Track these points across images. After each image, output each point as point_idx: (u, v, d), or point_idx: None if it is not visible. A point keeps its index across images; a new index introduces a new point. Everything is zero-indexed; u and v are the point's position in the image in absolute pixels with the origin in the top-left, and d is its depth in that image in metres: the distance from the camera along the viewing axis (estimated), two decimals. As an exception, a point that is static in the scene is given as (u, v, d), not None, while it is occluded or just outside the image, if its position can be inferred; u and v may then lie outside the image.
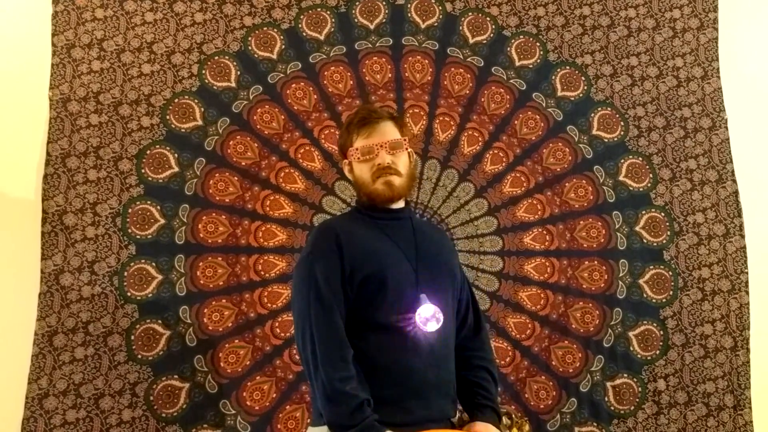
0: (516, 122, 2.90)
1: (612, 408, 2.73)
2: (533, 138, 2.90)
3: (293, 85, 2.82)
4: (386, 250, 1.77)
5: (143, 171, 2.66)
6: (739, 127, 3.00)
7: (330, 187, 2.77)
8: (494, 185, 2.85)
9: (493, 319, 2.75)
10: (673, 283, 2.84)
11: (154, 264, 2.61)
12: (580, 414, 2.71)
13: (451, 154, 2.86)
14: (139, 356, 2.54)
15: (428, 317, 1.70)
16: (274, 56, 2.83)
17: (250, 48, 2.81)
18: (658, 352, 2.79)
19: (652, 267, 2.85)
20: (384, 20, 2.92)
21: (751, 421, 2.78)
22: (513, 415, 1.98)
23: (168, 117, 2.72)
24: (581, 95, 2.95)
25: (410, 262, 1.77)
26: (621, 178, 2.90)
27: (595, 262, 2.83)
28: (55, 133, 2.62)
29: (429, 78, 2.90)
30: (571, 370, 2.74)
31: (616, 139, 2.93)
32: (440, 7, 2.95)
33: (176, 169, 2.69)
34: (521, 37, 2.97)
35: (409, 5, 2.93)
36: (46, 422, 2.45)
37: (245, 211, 2.70)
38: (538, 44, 2.97)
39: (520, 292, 2.79)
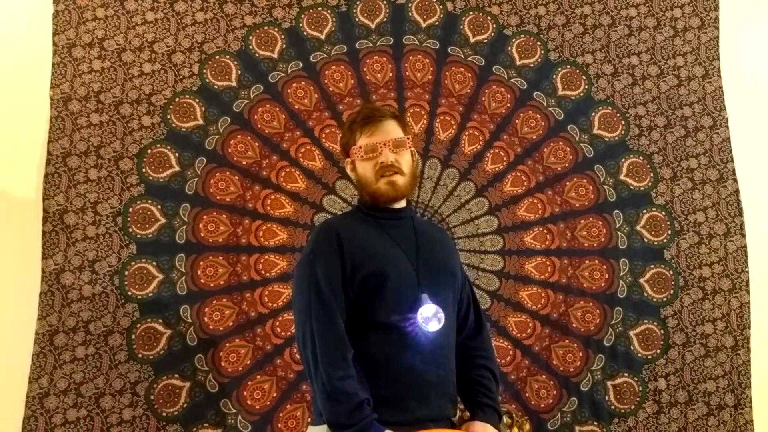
0: (517, 121, 2.90)
1: (613, 407, 2.73)
2: (534, 137, 2.90)
3: (294, 85, 2.82)
4: (387, 249, 1.76)
5: (144, 170, 2.67)
6: (739, 126, 2.99)
7: (331, 187, 2.77)
8: (495, 184, 2.85)
9: (494, 319, 2.75)
10: (673, 282, 2.84)
11: (154, 263, 2.61)
12: (581, 413, 2.71)
13: (451, 154, 2.86)
14: (140, 355, 2.54)
15: (430, 317, 1.70)
16: (275, 55, 2.83)
17: (251, 47, 2.81)
18: (658, 351, 2.79)
19: (652, 266, 2.85)
20: (385, 19, 2.92)
21: (752, 420, 2.78)
22: (513, 414, 1.98)
23: (169, 116, 2.72)
24: (582, 94, 2.95)
25: (411, 261, 1.77)
26: (622, 177, 2.90)
27: (596, 261, 2.83)
28: (56, 132, 2.63)
29: (430, 77, 2.90)
30: (571, 369, 2.74)
31: (616, 138, 2.93)
32: (441, 7, 2.95)
33: (177, 168, 2.69)
34: (522, 36, 2.97)
35: (409, 4, 2.93)
36: (46, 421, 2.45)
37: (246, 210, 2.70)
38: (538, 43, 2.97)
39: (520, 292, 2.79)
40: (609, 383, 2.75)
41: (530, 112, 2.92)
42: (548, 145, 2.90)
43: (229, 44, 2.80)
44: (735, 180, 2.93)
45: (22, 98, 2.66)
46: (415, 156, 1.88)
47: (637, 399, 2.75)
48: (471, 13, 2.96)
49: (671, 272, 2.85)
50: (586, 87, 2.96)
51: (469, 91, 2.91)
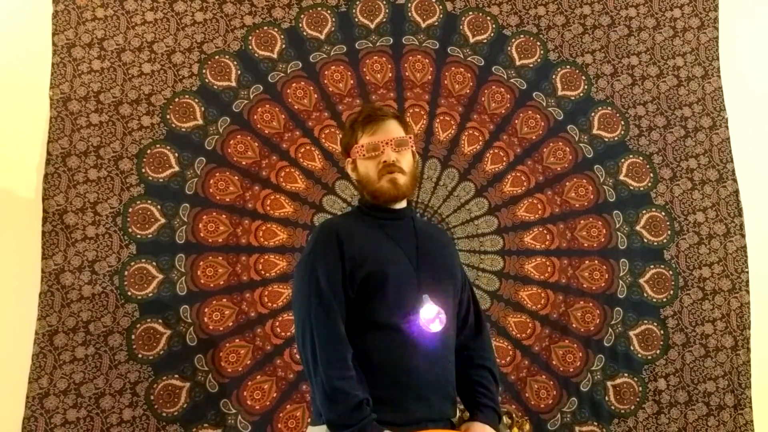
0: (516, 121, 2.90)
1: (612, 407, 2.73)
2: (534, 137, 2.90)
3: (294, 85, 2.82)
4: (387, 249, 1.77)
5: (144, 170, 2.66)
6: (739, 127, 3.00)
7: (330, 187, 2.77)
8: (495, 184, 2.85)
9: (494, 319, 2.75)
10: (673, 283, 2.84)
11: (154, 263, 2.61)
12: (581, 413, 2.71)
13: (451, 154, 2.86)
14: (140, 355, 2.54)
15: (431, 318, 1.70)
16: (275, 55, 2.83)
17: (250, 47, 2.81)
18: (658, 351, 2.79)
19: (652, 266, 2.85)
20: (384, 20, 2.92)
21: (752, 421, 2.78)
22: (513, 415, 1.98)
23: (168, 116, 2.72)
24: (582, 94, 2.95)
25: (411, 262, 1.77)
26: (621, 177, 2.90)
27: (596, 262, 2.83)
28: (56, 133, 2.62)
29: (429, 77, 2.90)
30: (571, 370, 2.74)
31: (616, 138, 2.93)
32: (441, 7, 2.95)
33: (177, 168, 2.69)
34: (522, 36, 2.97)
35: (409, 4, 2.93)
36: (46, 421, 2.45)
37: (246, 210, 2.70)
38: (538, 43, 2.97)
39: (520, 292, 2.79)
40: (609, 383, 2.75)
41: (530, 112, 2.92)
42: (548, 146, 2.90)
43: (229, 44, 2.80)
44: (735, 180, 2.93)
45: (22, 98, 2.66)
46: (416, 157, 1.88)
47: (637, 399, 2.75)
48: (470, 13, 2.96)
49: (671, 272, 2.85)
50: (586, 87, 2.96)
51: (468, 91, 2.91)
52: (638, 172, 2.91)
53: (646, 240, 2.86)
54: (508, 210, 2.84)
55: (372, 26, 2.91)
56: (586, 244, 2.84)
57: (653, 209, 2.89)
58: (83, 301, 2.54)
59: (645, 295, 2.82)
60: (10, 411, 2.44)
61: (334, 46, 2.87)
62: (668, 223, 2.88)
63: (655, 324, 2.80)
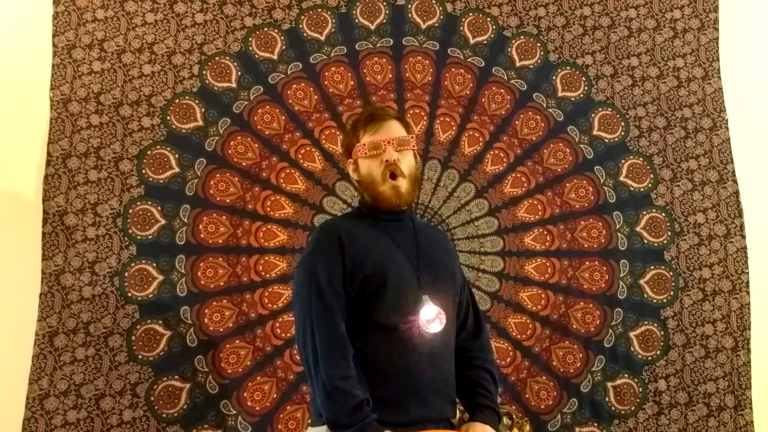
0: (517, 123, 2.90)
1: (613, 408, 2.73)
2: (534, 138, 2.90)
3: (294, 86, 2.82)
4: (387, 250, 1.77)
5: (144, 171, 2.67)
6: (739, 128, 2.99)
7: (331, 188, 2.77)
8: (495, 186, 2.85)
9: (494, 320, 2.75)
10: (673, 284, 2.84)
11: (154, 264, 2.61)
12: (581, 414, 2.71)
13: (451, 155, 2.86)
14: (140, 357, 2.54)
15: (431, 318, 1.70)
16: (275, 57, 2.83)
17: (250, 48, 2.82)
18: (658, 352, 2.79)
19: (652, 267, 2.85)
20: (384, 21, 2.92)
21: (752, 422, 2.77)
22: (514, 416, 1.98)
23: (168, 117, 2.72)
24: (582, 95, 2.95)
25: (412, 263, 1.77)
26: (622, 178, 2.90)
27: (596, 263, 2.83)
28: (56, 134, 2.63)
29: (429, 78, 2.90)
30: (571, 371, 2.74)
31: (616, 139, 2.93)
32: (441, 8, 2.95)
33: (177, 169, 2.69)
34: (522, 37, 2.97)
35: (409, 6, 2.94)
36: (46, 423, 2.45)
37: (246, 211, 2.70)
38: (538, 45, 2.97)
39: (520, 293, 2.79)
40: (609, 384, 2.75)
41: (530, 113, 2.92)
42: (548, 147, 2.90)
43: (229, 45, 2.80)
44: (735, 181, 2.93)
45: (22, 100, 2.66)
46: (417, 159, 1.88)
47: (638, 400, 2.75)
48: (471, 14, 2.96)
49: (671, 273, 2.84)
50: (586, 88, 2.96)
51: (468, 92, 2.91)
52: (638, 173, 2.91)
53: (646, 241, 2.86)
54: (509, 211, 2.84)
55: (372, 27, 2.91)
56: (586, 245, 2.84)
57: (653, 210, 2.89)
58: (83, 302, 2.54)
59: (645, 296, 2.82)
60: (11, 412, 2.44)
61: (334, 47, 2.87)
62: (668, 224, 2.88)
63: (656, 325, 2.80)
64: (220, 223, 2.68)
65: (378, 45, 2.89)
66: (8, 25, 2.70)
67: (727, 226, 2.90)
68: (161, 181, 2.67)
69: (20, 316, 2.51)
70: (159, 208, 2.65)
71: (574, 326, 2.77)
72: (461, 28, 2.95)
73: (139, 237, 2.62)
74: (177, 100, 2.73)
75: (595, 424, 2.71)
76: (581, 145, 2.91)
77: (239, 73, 2.79)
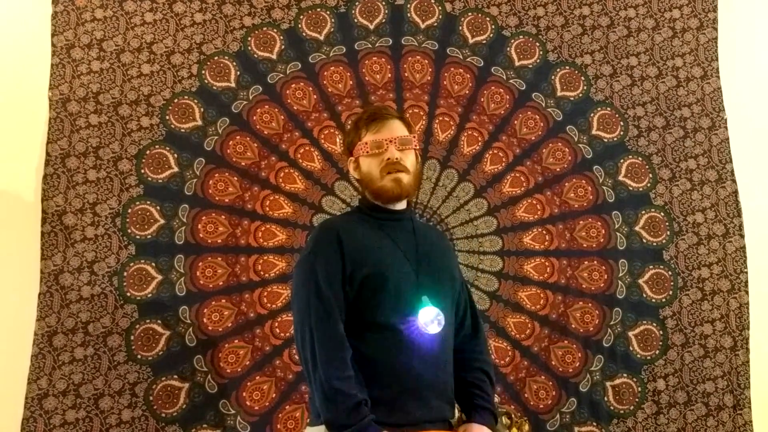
0: (515, 122, 2.90)
1: (612, 408, 2.73)
2: (533, 138, 2.90)
3: (293, 85, 2.82)
4: (387, 250, 1.77)
5: (143, 171, 2.67)
6: (738, 127, 3.00)
7: (330, 187, 2.77)
8: (494, 185, 2.85)
9: (493, 319, 2.75)
10: (672, 283, 2.84)
11: (153, 264, 2.61)
12: (580, 414, 2.71)
13: (450, 154, 2.86)
14: (139, 356, 2.54)
15: (430, 319, 1.70)
16: (274, 56, 2.83)
17: (249, 48, 2.82)
18: (657, 351, 2.79)
19: (651, 267, 2.85)
20: (383, 20, 2.92)
21: (751, 421, 2.78)
22: (512, 415, 1.99)
23: (167, 117, 2.72)
24: (581, 95, 2.96)
25: (411, 263, 1.77)
26: (620, 178, 2.90)
27: (595, 262, 2.83)
28: (55, 134, 2.63)
29: (428, 78, 2.90)
30: (570, 370, 2.74)
31: (615, 139, 2.94)
32: (440, 7, 2.95)
33: (176, 169, 2.69)
34: (521, 37, 2.97)
35: (408, 5, 2.94)
36: (45, 422, 2.45)
37: (245, 211, 2.70)
38: (537, 44, 2.97)
39: (519, 292, 2.79)
40: (608, 384, 2.75)
41: (529, 112, 2.92)
42: (547, 146, 2.90)
43: (228, 45, 2.80)
44: (734, 181, 2.93)
45: (21, 99, 2.66)
46: (418, 158, 1.89)
47: (636, 399, 2.75)
48: (470, 14, 2.96)
49: (670, 273, 2.85)
50: (585, 88, 2.96)
51: (468, 91, 2.91)
52: (637, 173, 2.91)
53: (645, 240, 2.86)
54: (508, 210, 2.84)
55: (371, 27, 2.91)
56: (585, 245, 2.84)
57: (652, 210, 2.89)
58: (82, 302, 2.54)
59: (644, 295, 2.83)
60: (10, 412, 2.44)
61: (333, 46, 2.87)
62: (667, 223, 2.89)
63: (654, 324, 2.80)
64: (219, 222, 2.68)
65: (377, 45, 2.89)
66: (7, 25, 2.70)
67: (726, 226, 2.90)
68: (160, 181, 2.67)
69: (19, 315, 2.51)
70: (158, 207, 2.65)
71: (573, 326, 2.77)
72: (460, 27, 2.95)
73: (138, 237, 2.62)
74: (176, 100, 2.73)
75: (594, 424, 2.71)
76: (580, 145, 2.91)
77: (238, 73, 2.79)
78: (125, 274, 2.59)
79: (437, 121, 2.87)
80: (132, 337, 2.54)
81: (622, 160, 2.92)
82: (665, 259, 2.86)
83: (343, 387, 1.59)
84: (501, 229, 2.83)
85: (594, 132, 2.93)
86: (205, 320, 2.60)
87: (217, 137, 2.73)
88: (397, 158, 1.78)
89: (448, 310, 1.78)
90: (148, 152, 2.68)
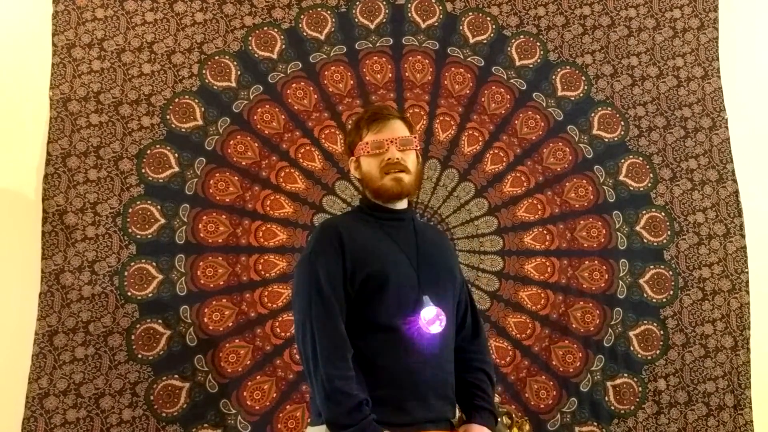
0: (516, 122, 2.90)
1: (612, 408, 2.73)
2: (533, 138, 2.90)
3: (293, 85, 2.82)
4: (388, 250, 1.76)
5: (143, 171, 2.67)
6: (739, 127, 3.00)
7: (330, 187, 2.77)
8: (494, 185, 2.85)
9: (494, 319, 2.75)
10: (673, 283, 2.84)
11: (154, 264, 2.61)
12: (581, 414, 2.71)
13: (451, 154, 2.86)
14: (140, 356, 2.54)
15: (431, 319, 1.70)
16: (275, 56, 2.83)
17: (250, 48, 2.82)
18: (658, 351, 2.79)
19: (652, 267, 2.85)
20: (384, 20, 2.92)
21: (752, 421, 2.78)
22: (513, 415, 1.98)
23: (168, 117, 2.72)
24: (581, 95, 2.95)
25: (412, 263, 1.77)
26: (621, 177, 2.90)
27: (596, 262, 2.83)
28: (56, 133, 2.62)
29: (429, 78, 2.90)
30: (571, 370, 2.74)
31: (616, 138, 2.93)
32: (440, 7, 2.95)
33: (176, 168, 2.69)
34: (521, 36, 2.97)
35: (409, 5, 2.93)
36: (46, 422, 2.45)
37: (245, 210, 2.70)
38: (538, 44, 2.97)
39: (520, 292, 2.79)
40: (609, 384, 2.75)
41: (530, 112, 2.92)
42: (548, 146, 2.90)
43: (229, 45, 2.80)
44: (734, 181, 2.93)
45: (22, 99, 2.66)
46: (419, 158, 1.89)
47: (637, 399, 2.75)
48: (470, 13, 2.96)
49: (671, 273, 2.85)
50: (586, 88, 2.96)
51: (468, 91, 2.91)
52: (638, 173, 2.91)
53: (645, 240, 2.86)
54: (508, 210, 2.84)
55: (372, 27, 2.91)
56: (585, 245, 2.84)
57: (653, 210, 2.89)
58: (83, 302, 2.54)
59: (645, 295, 2.83)
60: (10, 411, 2.44)
61: (334, 46, 2.87)
62: (668, 223, 2.89)
63: (655, 324, 2.80)
64: (219, 222, 2.68)
65: (378, 44, 2.89)
66: (8, 24, 2.70)
67: (726, 226, 2.90)
68: (161, 181, 2.67)
69: (20, 315, 2.51)
70: (159, 207, 2.65)
71: (574, 326, 2.77)
72: (461, 27, 2.95)
73: (138, 236, 2.62)
74: (177, 100, 2.73)
75: (595, 424, 2.71)
76: (581, 145, 2.91)
77: (239, 73, 2.79)
78: (126, 273, 2.59)
79: (438, 120, 2.87)
80: (133, 337, 2.54)
81: (622, 160, 2.92)
82: (666, 259, 2.86)
83: (344, 387, 1.59)
84: (502, 229, 2.83)
85: (595, 132, 2.93)
86: (205, 320, 2.60)
87: (217, 137, 2.73)
88: (397, 158, 1.78)
89: (449, 310, 1.78)
90: (148, 152, 2.68)
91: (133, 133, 2.68)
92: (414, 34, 2.92)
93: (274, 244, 2.71)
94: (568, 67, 2.97)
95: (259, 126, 2.77)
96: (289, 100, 2.80)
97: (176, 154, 2.70)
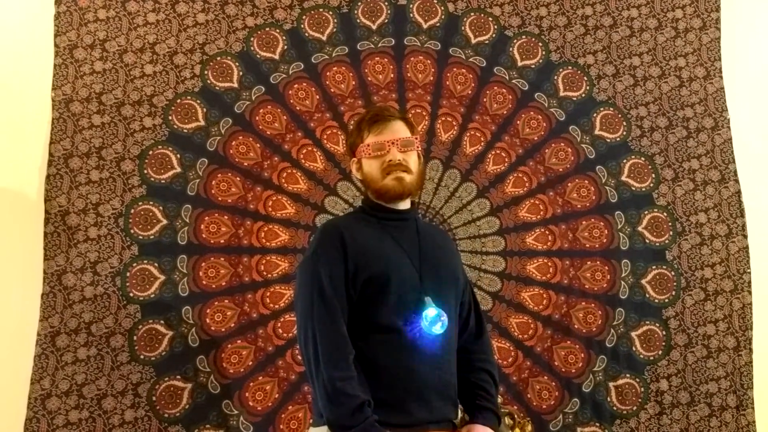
0: (518, 122, 2.90)
1: (614, 408, 2.73)
2: (535, 138, 2.90)
3: (295, 86, 2.82)
4: (390, 251, 1.76)
5: (146, 171, 2.67)
6: (741, 127, 2.99)
7: (332, 188, 2.77)
8: (496, 185, 2.85)
9: (496, 320, 2.75)
10: (675, 284, 2.84)
11: (156, 264, 2.61)
12: (583, 414, 2.71)
13: (453, 155, 2.86)
14: (142, 357, 2.54)
15: (433, 320, 1.69)
16: (277, 57, 2.83)
17: (252, 48, 2.82)
18: (660, 352, 2.78)
19: (654, 267, 2.85)
20: (386, 21, 2.92)
21: (754, 422, 2.77)
22: (515, 416, 1.98)
23: (170, 117, 2.72)
24: (583, 95, 2.95)
25: (414, 264, 1.77)
26: (623, 178, 2.90)
27: (598, 263, 2.83)
28: (58, 134, 2.63)
29: (431, 78, 2.90)
30: (573, 371, 2.74)
31: (618, 139, 2.93)
32: (442, 8, 2.95)
33: (178, 169, 2.69)
34: (523, 37, 2.97)
35: (411, 5, 2.93)
36: (48, 423, 2.45)
37: (247, 211, 2.70)
38: (540, 44, 2.97)
39: (522, 293, 2.79)
40: (611, 384, 2.75)
41: (532, 113, 2.92)
42: (550, 146, 2.90)
43: (231, 45, 2.80)
44: (737, 181, 2.93)
45: (24, 100, 2.66)
46: (421, 158, 1.89)
47: (639, 400, 2.75)
48: (472, 14, 2.96)
49: (673, 273, 2.84)
50: (588, 88, 2.96)
51: (470, 92, 2.91)
52: (640, 173, 2.91)
53: (648, 241, 2.86)
54: (510, 211, 2.84)
55: (374, 27, 2.91)
56: (587, 245, 2.84)
57: (655, 210, 2.89)
58: (85, 302, 2.54)
59: (647, 295, 2.82)
60: (13, 412, 2.44)
61: (335, 47, 2.87)
62: (670, 223, 2.88)
63: (657, 325, 2.80)
64: (221, 223, 2.68)
65: (379, 45, 2.89)
66: (10, 25, 2.70)
67: (728, 226, 2.89)
68: (163, 181, 2.67)
69: (22, 316, 2.51)
70: (161, 208, 2.65)
71: (576, 326, 2.77)
72: (463, 27, 2.95)
73: (140, 237, 2.62)
74: (179, 100, 2.73)
75: (597, 424, 2.71)
76: (583, 145, 2.91)
77: (241, 73, 2.79)
78: (128, 274, 2.59)
79: (440, 121, 2.87)
80: (135, 338, 2.55)
81: (624, 161, 2.91)
82: (668, 260, 2.85)
83: (346, 388, 1.59)
84: (503, 230, 2.83)
85: (597, 132, 2.93)
86: (207, 320, 2.60)
87: (219, 138, 2.73)
88: (399, 160, 1.78)
89: (451, 310, 1.78)
90: (150, 153, 2.68)
91: (135, 133, 2.68)
92: (416, 35, 2.92)
93: (276, 244, 2.71)
94: (570, 68, 2.97)
95: (261, 127, 2.77)
96: (291, 101, 2.81)
97: (178, 155, 2.70)
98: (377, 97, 2.85)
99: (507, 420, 1.97)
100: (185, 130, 2.72)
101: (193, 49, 2.77)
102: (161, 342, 2.56)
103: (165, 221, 2.65)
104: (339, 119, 2.82)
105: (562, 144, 2.91)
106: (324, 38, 2.87)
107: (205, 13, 2.80)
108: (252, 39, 2.82)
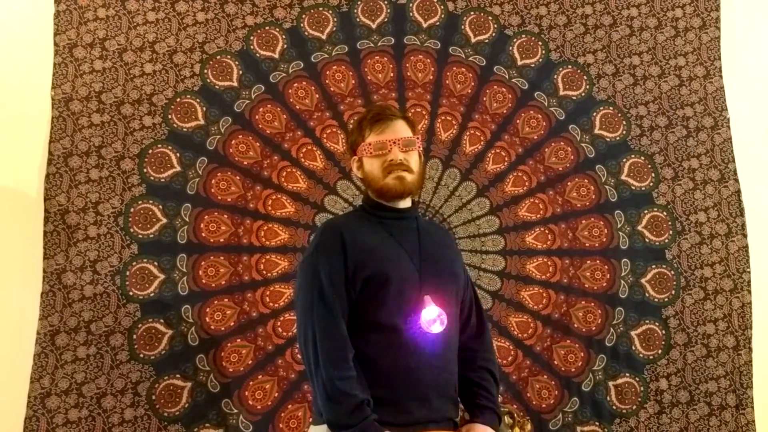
0: (518, 121, 2.90)
1: (614, 407, 2.73)
2: (535, 137, 2.90)
3: (295, 85, 2.82)
4: (390, 250, 1.76)
5: (145, 170, 2.67)
6: (741, 126, 2.99)
7: (332, 187, 2.77)
8: (496, 184, 2.85)
9: (495, 319, 2.75)
10: (675, 283, 2.84)
11: (156, 263, 2.61)
12: (582, 413, 2.71)
13: (453, 154, 2.86)
14: (141, 355, 2.54)
15: (432, 319, 1.69)
16: (276, 55, 2.83)
17: (252, 47, 2.81)
18: (660, 351, 2.79)
19: (654, 266, 2.85)
20: (386, 19, 2.92)
21: (754, 421, 2.77)
22: (515, 415, 1.98)
23: (170, 116, 2.72)
24: (583, 94, 2.95)
25: (414, 262, 1.77)
26: (623, 177, 2.90)
27: (597, 262, 2.83)
28: (58, 133, 2.63)
29: (431, 77, 2.90)
30: (573, 370, 2.74)
31: (618, 138, 2.93)
32: (442, 7, 2.95)
33: (178, 168, 2.69)
34: (523, 36, 2.97)
35: (411, 4, 2.93)
36: (48, 421, 2.45)
37: (247, 210, 2.70)
38: (540, 43, 2.97)
39: (522, 292, 2.79)
40: (610, 383, 2.75)
41: (531, 112, 2.92)
42: (549, 145, 2.90)
43: (230, 44, 2.80)
44: (736, 180, 2.93)
45: (24, 98, 2.66)
46: (422, 158, 1.89)
47: (639, 399, 2.75)
48: (472, 13, 2.96)
49: (673, 272, 2.84)
50: (588, 87, 2.96)
51: (470, 91, 2.90)
52: (640, 172, 2.91)
53: (647, 240, 2.86)
54: (510, 210, 2.84)
55: (373, 26, 2.91)
56: (587, 244, 2.84)
57: (655, 209, 2.89)
58: (85, 301, 2.54)
59: (646, 295, 2.82)
60: (12, 411, 2.44)
61: (335, 46, 2.87)
62: (670, 223, 2.88)
63: (657, 324, 2.80)
64: (221, 221, 2.68)
65: (379, 44, 2.89)
66: (10, 24, 2.70)
67: (728, 225, 2.90)
68: (162, 180, 2.67)
69: (22, 314, 2.51)
70: (160, 206, 2.65)
71: (576, 325, 2.77)
72: (462, 26, 2.95)
73: (140, 236, 2.62)
74: (178, 99, 2.73)
75: (597, 423, 2.71)
76: (582, 144, 2.91)
77: (240, 72, 2.79)
78: (128, 273, 2.59)
79: (439, 120, 2.87)
80: (134, 336, 2.55)
81: (624, 160, 2.91)
82: (668, 259, 2.85)
83: (346, 387, 1.59)
84: (503, 229, 2.83)
85: (596, 131, 2.93)
86: (207, 319, 2.60)
87: (219, 136, 2.73)
88: (400, 160, 1.78)
89: (451, 309, 1.78)
90: (150, 151, 2.68)
91: (135, 132, 2.68)
92: (415, 34, 2.92)
93: (276, 243, 2.71)
94: (569, 67, 2.97)
95: (260, 125, 2.77)
96: (291, 100, 2.80)
97: (178, 154, 2.70)
98: (377, 96, 2.85)
99: (506, 419, 1.97)
100: (185, 129, 2.72)
101: (193, 48, 2.77)
102: (161, 341, 2.56)
103: (165, 220, 2.64)
104: (339, 118, 2.81)
105: (562, 143, 2.91)
106: (324, 37, 2.87)
107: (205, 12, 2.80)
108: (252, 38, 2.82)
